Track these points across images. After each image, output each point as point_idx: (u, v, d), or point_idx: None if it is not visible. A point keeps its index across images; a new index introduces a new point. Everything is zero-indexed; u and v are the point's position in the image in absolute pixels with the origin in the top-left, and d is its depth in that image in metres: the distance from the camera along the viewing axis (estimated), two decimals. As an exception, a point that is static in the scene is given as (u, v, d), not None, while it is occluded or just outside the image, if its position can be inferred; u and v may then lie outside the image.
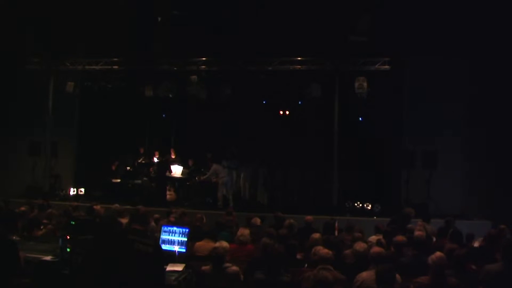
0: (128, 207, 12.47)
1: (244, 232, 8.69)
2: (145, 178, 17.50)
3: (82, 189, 17.41)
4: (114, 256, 5.08)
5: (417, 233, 8.83)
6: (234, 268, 6.85)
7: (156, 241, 6.36)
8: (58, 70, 17.70)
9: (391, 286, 5.63)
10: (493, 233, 9.22)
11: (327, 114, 16.24)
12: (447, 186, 15.04)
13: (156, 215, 11.34)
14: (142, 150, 18.58)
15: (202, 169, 17.66)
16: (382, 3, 13.19)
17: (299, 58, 16.25)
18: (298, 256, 7.91)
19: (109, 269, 5.01)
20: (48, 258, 6.82)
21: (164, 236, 7.89)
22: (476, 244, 9.38)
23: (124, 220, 9.42)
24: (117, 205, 12.16)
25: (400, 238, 8.39)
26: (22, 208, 10.84)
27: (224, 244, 7.23)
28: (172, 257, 7.52)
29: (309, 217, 11.15)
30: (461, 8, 13.71)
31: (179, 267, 7.04)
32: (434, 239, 9.97)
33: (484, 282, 6.48)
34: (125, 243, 5.13)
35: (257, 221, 10.95)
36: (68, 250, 6.59)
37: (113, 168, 18.00)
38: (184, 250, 7.73)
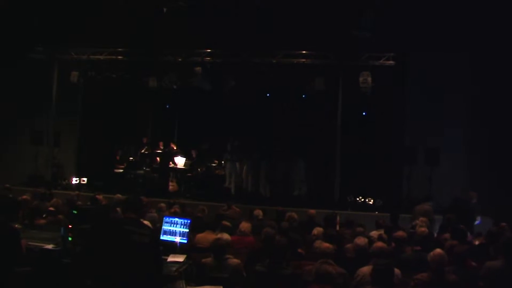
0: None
1: (245, 225, 8.71)
2: (147, 169, 17.52)
3: (85, 179, 17.41)
4: (111, 247, 5.08)
5: (420, 229, 8.85)
6: (236, 260, 6.87)
7: (152, 231, 6.35)
8: (62, 60, 17.67)
9: (388, 283, 5.62)
10: (493, 230, 9.24)
11: (330, 108, 16.23)
12: (448, 182, 15.01)
13: (162, 204, 11.37)
14: (145, 140, 18.60)
15: (205, 161, 17.69)
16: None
17: (303, 52, 16.21)
18: (300, 250, 7.92)
19: (105, 260, 5.01)
20: (50, 246, 6.83)
21: (165, 227, 7.90)
22: (476, 242, 9.39)
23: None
24: (119, 195, 12.17)
25: (400, 233, 8.42)
26: (24, 197, 10.86)
27: (226, 236, 7.26)
28: (173, 248, 7.54)
29: (312, 211, 11.16)
30: (466, 3, 13.70)
31: (180, 258, 7.05)
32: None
33: (485, 278, 6.50)
34: (121, 234, 5.13)
35: (259, 213, 10.96)
36: (70, 239, 6.61)
37: (117, 158, 18.03)
38: (185, 241, 7.74)
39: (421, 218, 10.17)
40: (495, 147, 14.88)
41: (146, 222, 8.99)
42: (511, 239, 7.00)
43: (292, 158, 17.27)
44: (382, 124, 16.53)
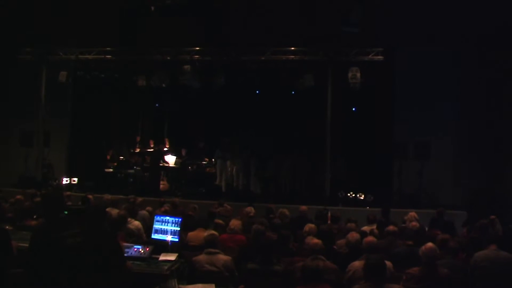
0: (120, 196, 12.43)
1: (235, 222, 8.68)
2: (138, 168, 17.45)
3: (75, 179, 17.33)
4: (47, 263, 4.93)
5: (412, 223, 8.86)
6: (226, 256, 6.86)
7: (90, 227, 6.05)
8: (50, 60, 17.56)
9: (380, 277, 5.61)
10: (484, 223, 9.28)
11: (320, 104, 16.20)
12: (439, 176, 15.07)
13: (148, 208, 11.30)
14: (138, 139, 18.58)
15: (195, 159, 17.65)
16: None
17: (292, 48, 16.18)
18: (291, 246, 7.90)
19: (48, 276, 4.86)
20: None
21: (157, 226, 7.89)
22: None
23: (115, 211, 9.38)
24: (107, 195, 12.11)
25: (391, 227, 8.43)
26: (14, 198, 10.79)
27: (214, 231, 7.29)
28: (164, 246, 7.52)
29: (303, 207, 11.16)
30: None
31: (171, 257, 7.03)
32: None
33: (475, 267, 6.57)
34: (53, 245, 4.96)
35: (251, 210, 10.92)
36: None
37: (108, 157, 17.96)
38: (177, 240, 7.72)
39: (410, 213, 10.19)
40: (484, 141, 14.94)
41: (136, 222, 9.00)
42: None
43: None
44: (372, 119, 16.52)
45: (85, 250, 4.92)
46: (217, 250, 6.84)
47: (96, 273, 5.07)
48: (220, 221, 9.12)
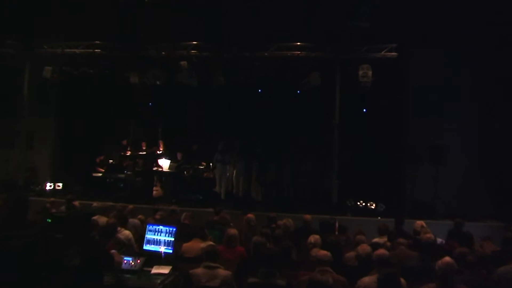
0: (110, 203, 12.40)
1: (232, 232, 8.60)
2: (128, 172, 17.41)
3: (60, 184, 17.29)
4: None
5: (426, 235, 8.83)
6: (226, 271, 6.83)
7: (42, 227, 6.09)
8: (34, 54, 17.55)
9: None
10: (509, 236, 9.27)
11: (327, 105, 16.18)
12: (457, 184, 15.00)
13: (140, 216, 11.27)
14: (125, 142, 18.53)
15: (191, 163, 17.62)
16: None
17: (297, 44, 16.16)
18: (295, 258, 7.89)
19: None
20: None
21: (149, 236, 7.86)
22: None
23: (104, 219, 9.36)
24: (96, 202, 12.10)
25: (404, 239, 8.43)
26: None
27: (213, 243, 7.26)
28: (157, 258, 7.49)
29: (307, 216, 11.16)
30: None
31: (165, 270, 7.01)
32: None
33: (498, 284, 6.55)
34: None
35: (252, 218, 10.88)
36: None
37: (97, 161, 17.92)
38: (171, 251, 7.69)
39: (418, 222, 10.17)
40: (505, 145, 14.89)
41: (127, 231, 8.97)
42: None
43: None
44: (384, 121, 16.47)
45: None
46: (216, 264, 6.81)
47: (83, 283, 5.07)
48: (206, 232, 9.09)
